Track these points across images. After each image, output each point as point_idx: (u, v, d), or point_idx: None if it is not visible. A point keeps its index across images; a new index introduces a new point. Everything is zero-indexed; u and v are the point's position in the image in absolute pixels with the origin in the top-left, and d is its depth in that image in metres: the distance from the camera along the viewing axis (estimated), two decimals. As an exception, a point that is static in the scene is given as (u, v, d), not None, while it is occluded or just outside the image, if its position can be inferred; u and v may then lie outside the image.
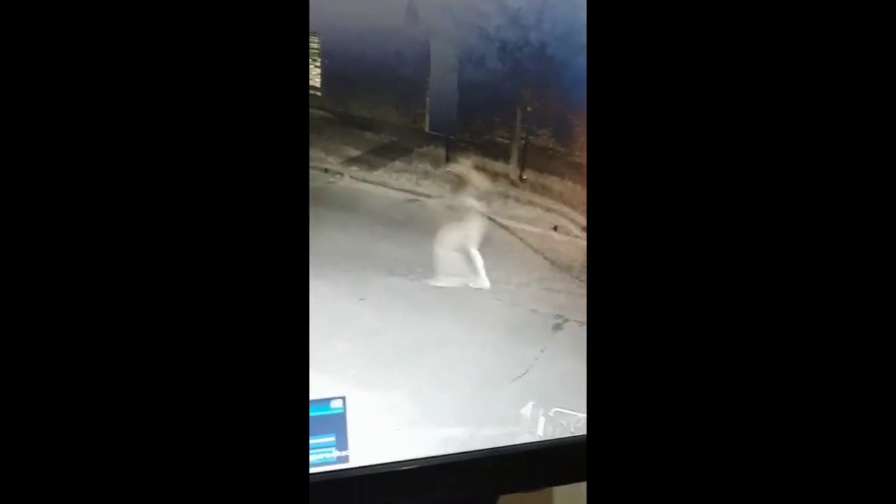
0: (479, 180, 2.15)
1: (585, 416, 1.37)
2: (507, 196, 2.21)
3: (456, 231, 2.03)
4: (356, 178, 2.53)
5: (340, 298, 2.28)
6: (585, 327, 1.43)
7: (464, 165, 2.10)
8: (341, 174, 2.94)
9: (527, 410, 1.74)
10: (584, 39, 1.38)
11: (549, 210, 1.61)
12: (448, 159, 2.20)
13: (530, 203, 1.66)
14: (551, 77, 1.51)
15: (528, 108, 1.97)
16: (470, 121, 2.08)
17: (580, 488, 1.15)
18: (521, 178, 2.22)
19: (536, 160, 1.57)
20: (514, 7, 1.43)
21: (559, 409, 1.47)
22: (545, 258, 1.61)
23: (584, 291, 1.53)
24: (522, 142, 2.06)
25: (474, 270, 2.14)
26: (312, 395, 1.89)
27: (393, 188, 2.29)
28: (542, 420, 1.45)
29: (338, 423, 1.91)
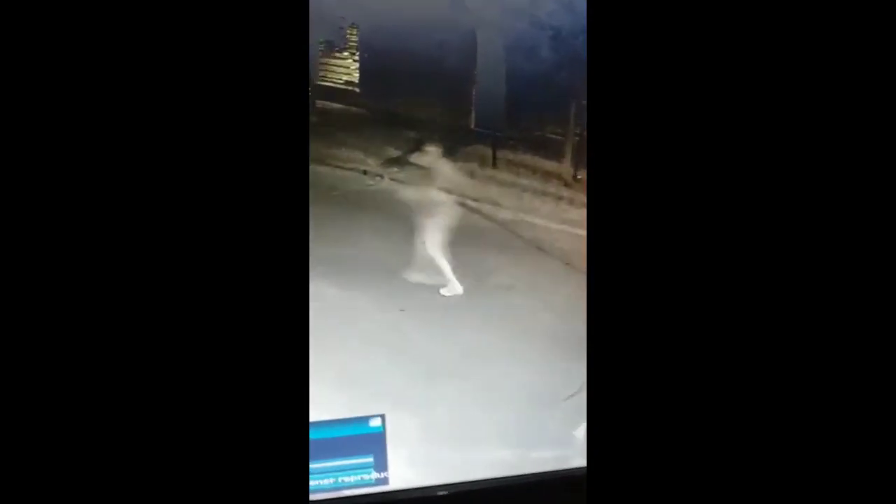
0: (527, 181, 2.09)
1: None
2: (559, 198, 2.12)
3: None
4: (397, 181, 2.53)
5: (379, 309, 2.29)
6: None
7: (510, 164, 2.03)
8: (381, 176, 2.97)
9: (580, 432, 1.64)
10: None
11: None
12: (496, 158, 2.13)
13: (585, 205, 1.52)
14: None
15: (584, 101, 1.87)
16: (519, 116, 2.01)
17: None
18: (575, 177, 2.13)
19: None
20: (568, -10, 1.31)
21: (616, 432, 1.35)
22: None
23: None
24: (577, 138, 1.97)
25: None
26: (348, 413, 1.89)
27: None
28: (596, 443, 1.36)
29: (376, 443, 1.91)
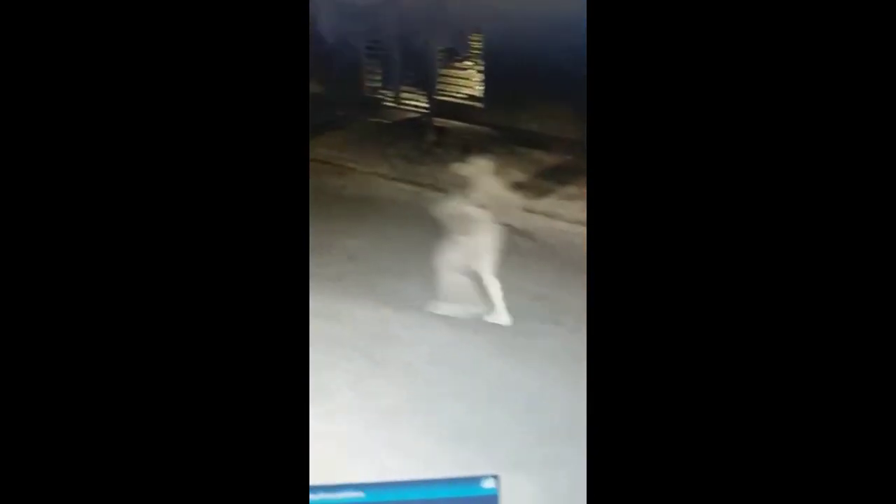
0: None
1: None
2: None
3: None
4: (524, 209, 2.42)
5: (497, 356, 2.22)
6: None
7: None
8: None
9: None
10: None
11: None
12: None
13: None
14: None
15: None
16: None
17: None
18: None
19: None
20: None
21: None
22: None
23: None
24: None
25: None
26: (458, 472, 1.82)
27: (564, 220, 2.18)
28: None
29: (489, 508, 1.77)
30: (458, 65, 7.68)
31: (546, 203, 4.37)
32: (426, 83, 7.26)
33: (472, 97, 7.46)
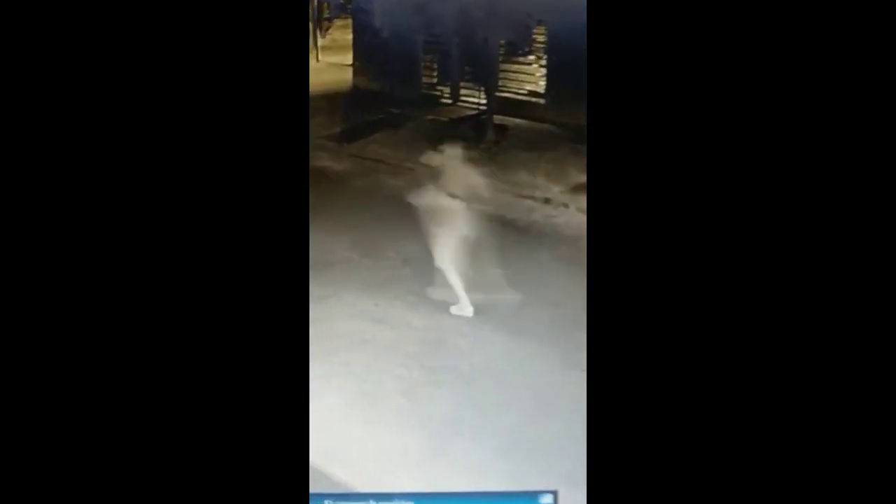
0: None
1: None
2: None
3: None
4: (584, 210, 2.48)
5: (557, 368, 2.21)
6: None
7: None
8: (566, 205, 2.96)
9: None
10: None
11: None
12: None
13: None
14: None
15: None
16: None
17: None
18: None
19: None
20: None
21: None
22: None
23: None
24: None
25: None
26: (514, 486, 1.84)
27: None
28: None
29: (547, 524, 1.77)
30: (520, 59, 7.70)
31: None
32: (486, 78, 7.29)
33: (534, 93, 7.45)
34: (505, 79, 7.36)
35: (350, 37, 10.22)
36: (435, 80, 8.08)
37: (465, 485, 2.42)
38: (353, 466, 2.62)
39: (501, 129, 6.75)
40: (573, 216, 3.68)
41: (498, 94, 7.22)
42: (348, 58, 9.74)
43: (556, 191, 4.25)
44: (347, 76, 9.30)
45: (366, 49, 8.30)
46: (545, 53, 7.09)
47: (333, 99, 9.08)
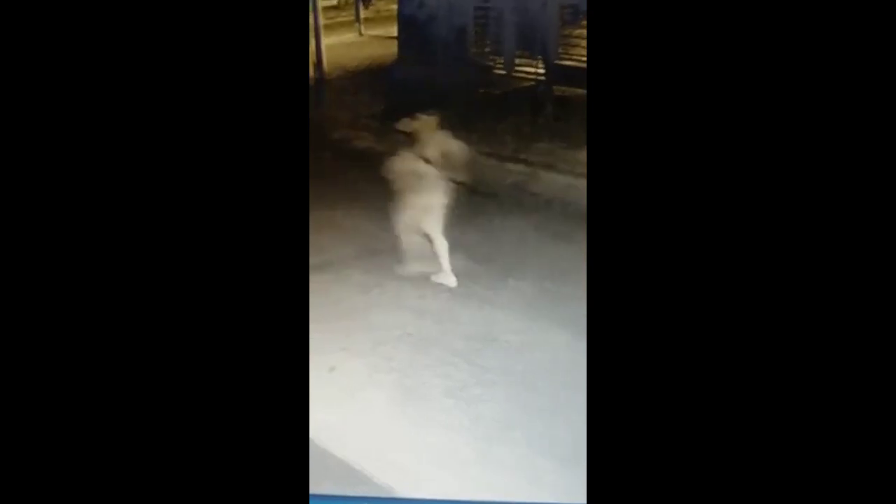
0: None
1: None
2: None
3: None
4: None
5: None
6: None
7: None
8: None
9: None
10: None
11: None
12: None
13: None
14: None
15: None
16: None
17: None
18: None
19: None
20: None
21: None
22: None
23: None
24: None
25: None
26: (567, 497, 1.81)
27: None
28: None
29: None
30: (583, 24, 7.54)
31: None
32: (545, 47, 7.18)
33: (598, 61, 7.28)
34: (566, 46, 7.22)
35: (395, 6, 10.27)
36: (487, 50, 7.99)
37: (516, 494, 2.41)
38: (395, 469, 2.63)
39: (562, 101, 6.63)
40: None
41: (558, 63, 7.09)
42: (393, 29, 9.79)
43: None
44: (392, 49, 9.34)
45: (411, 18, 8.30)
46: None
47: (377, 74, 9.18)
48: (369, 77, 9.24)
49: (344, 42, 11.72)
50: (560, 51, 7.61)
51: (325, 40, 9.64)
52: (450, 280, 3.94)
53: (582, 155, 4.78)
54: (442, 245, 3.87)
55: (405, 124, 3.89)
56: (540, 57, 7.51)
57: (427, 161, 3.76)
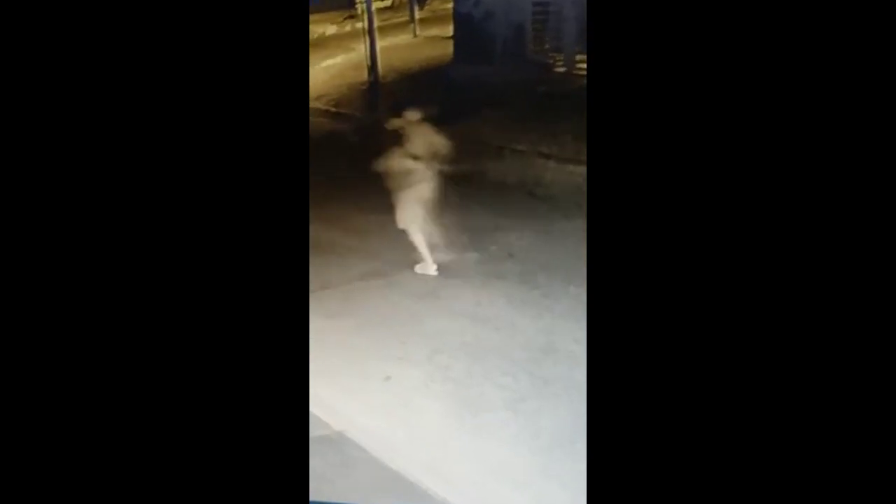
0: None
1: None
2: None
3: None
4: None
5: None
6: None
7: None
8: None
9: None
10: None
11: None
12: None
13: None
14: None
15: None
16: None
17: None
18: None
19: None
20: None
21: None
22: None
23: None
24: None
25: None
26: None
27: None
28: None
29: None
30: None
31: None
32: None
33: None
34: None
35: (450, 5, 10.36)
36: (546, 47, 7.97)
37: (578, 511, 2.39)
38: (453, 482, 2.66)
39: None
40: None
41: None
42: (448, 29, 9.89)
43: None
44: (448, 49, 9.43)
45: (467, 17, 8.36)
46: None
47: (432, 75, 9.27)
48: (424, 78, 9.36)
49: (398, 44, 11.90)
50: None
51: (380, 42, 9.85)
52: (431, 269, 4.23)
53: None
54: (425, 238, 4.20)
55: (391, 122, 4.24)
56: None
57: (414, 157, 4.05)
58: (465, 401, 3.09)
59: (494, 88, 7.39)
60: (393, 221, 4.22)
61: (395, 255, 4.42)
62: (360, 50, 9.37)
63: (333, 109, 7.68)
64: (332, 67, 10.49)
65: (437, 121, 6.96)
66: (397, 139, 4.12)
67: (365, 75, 9.04)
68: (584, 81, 7.42)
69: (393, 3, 15.12)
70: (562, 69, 7.69)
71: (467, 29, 8.34)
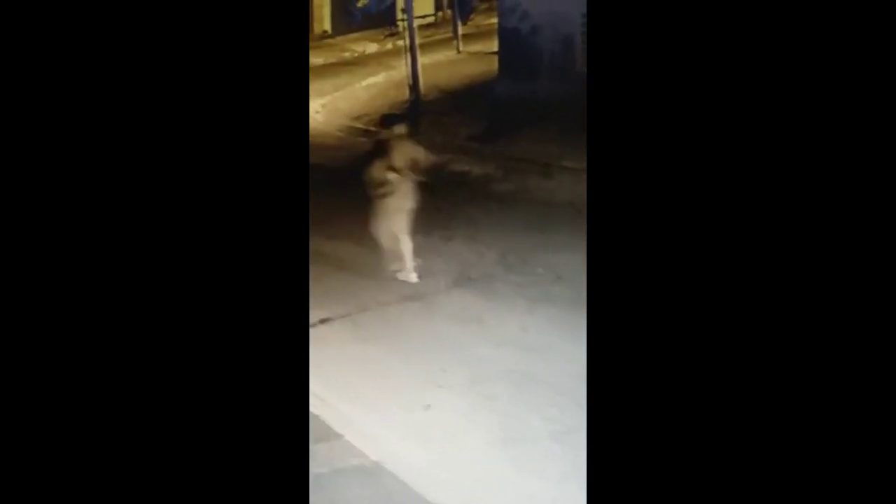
0: None
1: None
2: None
3: None
4: None
5: None
6: None
7: None
8: None
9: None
10: None
11: None
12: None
13: None
14: None
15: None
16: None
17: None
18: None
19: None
20: None
21: None
22: None
23: None
24: None
25: None
26: None
27: None
28: None
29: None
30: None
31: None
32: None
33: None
34: None
35: (495, 20, 10.45)
36: (596, 62, 7.96)
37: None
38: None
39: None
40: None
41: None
42: (493, 44, 9.96)
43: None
44: (492, 65, 9.50)
45: (513, 31, 8.41)
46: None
47: (476, 93, 9.34)
48: (468, 95, 9.43)
49: (441, 61, 12.07)
50: None
51: (422, 59, 10.01)
52: (411, 277, 4.46)
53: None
54: (407, 245, 4.47)
55: (380, 135, 4.67)
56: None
57: (394, 170, 4.40)
58: (510, 432, 3.04)
59: (540, 104, 7.40)
60: (435, 242, 4.21)
61: (438, 277, 4.47)
62: (402, 68, 9.58)
63: (374, 129, 7.80)
64: (372, 86, 10.74)
65: (482, 139, 7.00)
66: (380, 152, 4.45)
67: (406, 94, 9.19)
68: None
69: (436, 19, 15.37)
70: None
71: (513, 43, 8.39)
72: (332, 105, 9.52)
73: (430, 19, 14.46)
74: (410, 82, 8.85)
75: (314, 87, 11.52)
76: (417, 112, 8.33)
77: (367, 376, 3.47)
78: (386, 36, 13.87)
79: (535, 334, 3.77)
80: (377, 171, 4.37)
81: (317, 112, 9.16)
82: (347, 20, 15.31)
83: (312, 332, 4.29)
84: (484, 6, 13.76)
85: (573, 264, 4.41)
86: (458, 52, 11.39)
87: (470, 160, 6.66)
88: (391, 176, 4.43)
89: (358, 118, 8.56)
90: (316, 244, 5.05)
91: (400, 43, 10.73)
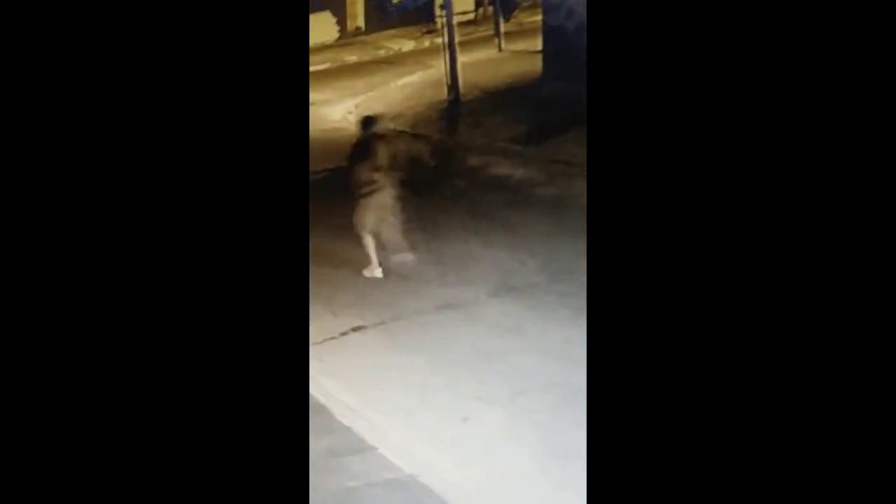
0: None
1: None
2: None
3: None
4: None
5: None
6: None
7: None
8: None
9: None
10: None
11: None
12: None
13: None
14: None
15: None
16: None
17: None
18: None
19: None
20: None
21: None
22: None
23: None
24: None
25: None
26: None
27: None
28: None
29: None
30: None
31: None
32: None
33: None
34: None
35: (539, 17, 10.41)
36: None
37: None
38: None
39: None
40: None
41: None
42: (537, 42, 9.93)
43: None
44: (536, 65, 9.48)
45: (558, 29, 8.41)
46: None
47: (518, 93, 9.32)
48: (510, 96, 9.42)
49: (482, 59, 12.06)
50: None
51: (461, 58, 10.02)
52: (377, 273, 4.86)
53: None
54: (375, 241, 4.85)
55: (362, 135, 4.94)
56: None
57: (377, 169, 4.77)
58: (551, 448, 3.04)
59: (576, 110, 7.37)
60: (473, 248, 4.21)
61: (478, 285, 4.48)
62: (440, 66, 9.62)
63: (409, 131, 7.84)
64: (408, 86, 10.78)
65: (524, 141, 6.99)
66: (364, 151, 4.84)
67: (444, 93, 9.24)
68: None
69: (476, 16, 15.41)
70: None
71: (558, 42, 8.38)
72: (365, 105, 9.58)
73: (470, 16, 14.50)
74: (449, 81, 8.89)
75: (346, 86, 11.65)
76: (456, 113, 8.36)
77: (401, 387, 3.50)
78: (423, 33, 13.95)
79: (578, 346, 3.75)
80: (358, 170, 4.82)
81: (349, 112, 9.24)
82: (382, 17, 15.44)
83: (345, 340, 4.34)
84: (527, 3, 13.76)
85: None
86: (500, 50, 11.40)
87: (512, 163, 6.66)
88: (373, 176, 4.76)
89: (392, 119, 8.63)
90: (345, 250, 5.16)
91: (438, 40, 10.74)
